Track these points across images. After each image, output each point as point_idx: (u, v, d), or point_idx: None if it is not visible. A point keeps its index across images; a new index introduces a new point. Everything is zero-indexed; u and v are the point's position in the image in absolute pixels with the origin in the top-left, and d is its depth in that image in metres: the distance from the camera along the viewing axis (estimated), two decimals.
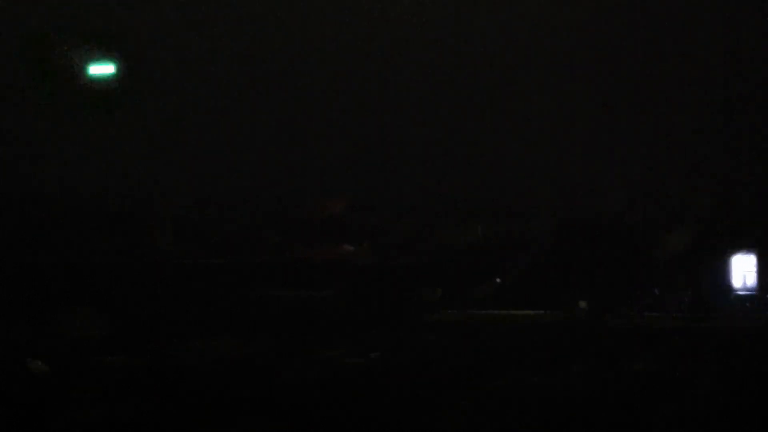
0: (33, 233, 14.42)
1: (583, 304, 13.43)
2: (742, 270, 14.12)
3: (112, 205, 14.94)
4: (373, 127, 15.45)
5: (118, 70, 14.88)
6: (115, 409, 9.53)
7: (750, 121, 14.96)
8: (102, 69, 14.91)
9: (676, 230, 14.32)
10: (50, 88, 14.86)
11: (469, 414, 9.54)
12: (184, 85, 15.28)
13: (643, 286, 13.99)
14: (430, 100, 15.42)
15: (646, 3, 14.87)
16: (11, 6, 14.94)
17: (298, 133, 15.61)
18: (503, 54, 15.05)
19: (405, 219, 15.29)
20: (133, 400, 9.77)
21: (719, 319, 13.46)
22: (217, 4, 15.33)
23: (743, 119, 14.98)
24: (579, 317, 13.27)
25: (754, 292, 14.12)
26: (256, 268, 14.30)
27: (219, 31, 15.34)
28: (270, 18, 15.18)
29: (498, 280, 14.27)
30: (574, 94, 15.07)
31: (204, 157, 15.38)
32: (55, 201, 14.83)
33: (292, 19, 15.19)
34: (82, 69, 14.82)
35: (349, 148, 15.37)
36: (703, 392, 10.26)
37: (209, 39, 15.35)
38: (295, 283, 14.00)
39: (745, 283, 14.11)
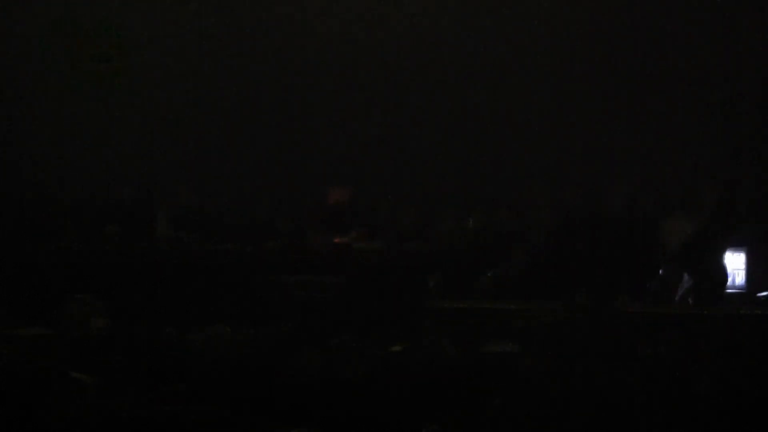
0: (30, 227, 14.38)
1: (580, 298, 13.43)
2: (732, 268, 14.06)
3: (112, 196, 14.93)
4: (374, 119, 15.44)
5: (119, 60, 14.85)
6: (114, 408, 9.48)
7: (749, 121, 15.00)
8: (103, 58, 14.90)
9: (674, 226, 14.33)
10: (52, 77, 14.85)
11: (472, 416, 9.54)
12: (186, 78, 15.26)
13: (641, 280, 13.99)
14: (430, 91, 15.41)
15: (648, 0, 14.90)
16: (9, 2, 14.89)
17: (297, 124, 15.59)
18: (505, 49, 15.05)
19: (405, 210, 15.28)
20: (132, 399, 9.72)
21: (714, 314, 13.44)
22: None
23: (743, 118, 15.03)
24: (577, 312, 13.26)
25: (744, 290, 14.08)
26: (257, 259, 14.30)
27: (222, 21, 15.30)
28: (276, 7, 15.14)
29: (489, 274, 14.24)
30: (576, 92, 15.10)
31: (207, 146, 15.37)
32: (54, 194, 14.79)
33: (297, 13, 15.16)
34: (83, 59, 14.79)
35: (350, 139, 15.37)
36: (703, 391, 10.25)
37: (212, 29, 15.31)
38: (294, 274, 13.99)
39: (734, 281, 14.08)
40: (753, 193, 15.05)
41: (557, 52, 15.22)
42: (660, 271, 14.04)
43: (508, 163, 15.40)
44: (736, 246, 14.17)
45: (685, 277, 13.92)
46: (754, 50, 15.01)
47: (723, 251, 14.02)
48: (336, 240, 14.54)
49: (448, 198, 15.34)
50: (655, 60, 15.31)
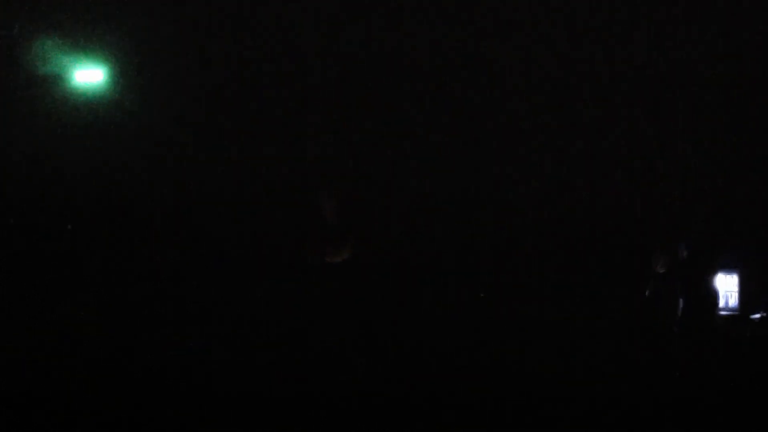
0: (27, 232, 14.43)
1: (576, 303, 13.49)
2: (725, 290, 14.03)
3: (107, 203, 14.96)
4: (366, 123, 15.48)
5: (107, 76, 14.91)
6: (112, 409, 9.52)
7: (747, 135, 15.10)
8: (90, 75, 14.94)
9: (665, 245, 14.38)
10: (37, 93, 14.89)
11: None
12: (175, 91, 15.31)
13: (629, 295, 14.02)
14: (424, 93, 15.45)
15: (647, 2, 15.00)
16: None
17: (286, 130, 15.64)
18: (500, 51, 15.12)
19: (396, 217, 15.29)
20: (130, 400, 9.76)
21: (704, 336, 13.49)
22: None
23: (741, 129, 15.13)
24: (575, 318, 13.34)
25: (737, 312, 14.07)
26: (251, 267, 14.32)
27: (212, 30, 15.36)
28: (270, 12, 15.22)
29: (482, 294, 14.28)
30: (574, 99, 15.19)
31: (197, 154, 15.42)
32: (54, 195, 14.84)
33: (293, 17, 15.23)
34: (69, 75, 14.85)
35: (342, 147, 15.42)
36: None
37: (201, 38, 15.36)
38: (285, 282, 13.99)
39: (727, 303, 14.05)
40: (746, 214, 15.11)
41: (553, 57, 15.30)
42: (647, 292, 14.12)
43: (502, 169, 15.43)
44: (730, 268, 14.15)
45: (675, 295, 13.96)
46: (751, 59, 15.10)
47: (714, 272, 14.04)
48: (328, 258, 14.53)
49: (443, 205, 15.37)
50: (654, 68, 15.41)
